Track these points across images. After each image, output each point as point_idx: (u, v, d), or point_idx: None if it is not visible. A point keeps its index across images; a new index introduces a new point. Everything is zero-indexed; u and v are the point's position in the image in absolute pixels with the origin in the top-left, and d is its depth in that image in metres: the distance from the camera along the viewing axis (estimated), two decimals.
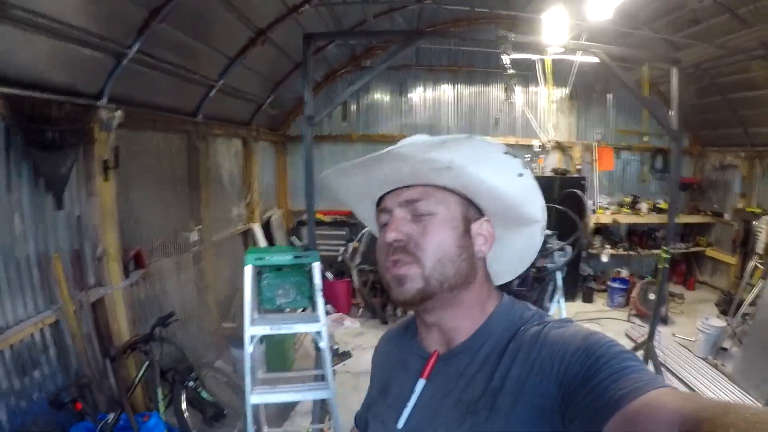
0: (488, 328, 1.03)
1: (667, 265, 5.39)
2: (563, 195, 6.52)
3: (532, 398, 0.89)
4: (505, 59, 4.55)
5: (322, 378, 3.71)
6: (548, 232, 4.21)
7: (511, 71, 4.70)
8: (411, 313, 1.23)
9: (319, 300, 3.60)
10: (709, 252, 9.01)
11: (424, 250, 0.98)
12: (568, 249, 4.36)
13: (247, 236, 6.81)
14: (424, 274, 0.98)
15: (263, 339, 4.64)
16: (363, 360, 5.87)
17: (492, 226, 1.07)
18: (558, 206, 4.96)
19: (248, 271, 3.51)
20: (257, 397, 3.44)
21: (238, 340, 4.00)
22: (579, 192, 6.88)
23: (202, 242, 5.46)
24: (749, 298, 6.43)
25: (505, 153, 0.96)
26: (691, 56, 6.53)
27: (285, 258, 3.62)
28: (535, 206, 1.06)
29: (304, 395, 3.76)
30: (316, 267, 3.61)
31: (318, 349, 3.69)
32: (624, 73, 5.21)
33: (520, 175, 1.00)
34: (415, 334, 1.18)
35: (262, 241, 6.72)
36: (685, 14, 6.14)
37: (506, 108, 8.79)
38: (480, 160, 0.97)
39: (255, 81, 6.31)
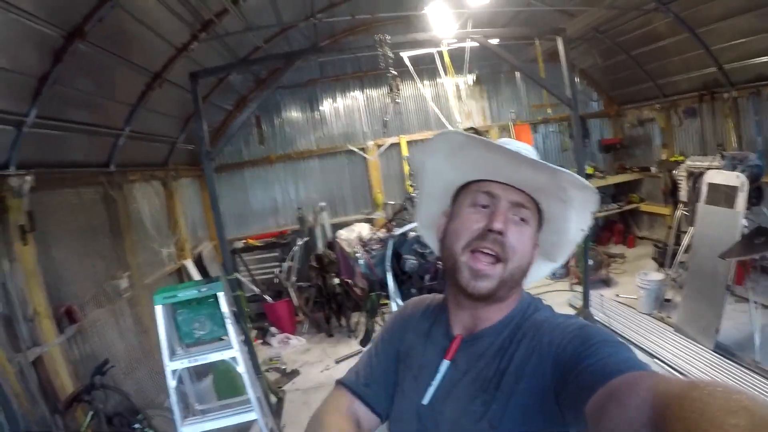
0: (509, 318, 1.19)
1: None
2: None
3: (532, 378, 1.05)
4: (383, 61, 5.00)
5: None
6: None
7: (393, 72, 5.15)
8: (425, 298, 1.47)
9: (230, 327, 4.04)
10: (643, 207, 9.61)
11: (514, 254, 1.13)
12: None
13: (182, 273, 7.18)
14: (503, 276, 1.13)
15: (211, 370, 5.13)
16: (311, 376, 6.33)
17: (537, 249, 1.24)
18: None
19: (159, 310, 3.94)
20: (189, 428, 3.92)
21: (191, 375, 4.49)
22: None
23: (133, 287, 5.76)
24: (682, 246, 6.88)
25: (593, 212, 1.20)
26: (584, 21, 7.05)
27: (190, 293, 4.01)
28: (566, 254, 1.34)
29: (231, 419, 4.17)
30: (221, 297, 4.03)
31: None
32: (509, 55, 5.71)
33: (582, 230, 1.24)
34: (440, 310, 1.34)
35: (196, 276, 7.10)
36: None
37: (419, 103, 9.39)
38: (581, 208, 1.20)
39: (164, 122, 6.71)
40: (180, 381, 4.11)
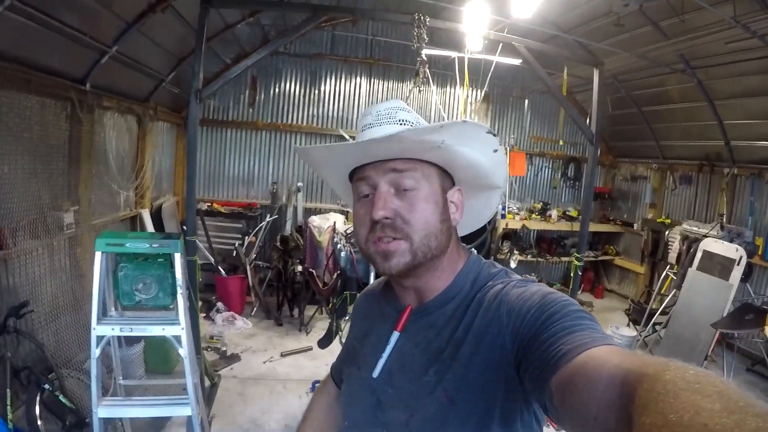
0: (457, 285, 1.14)
1: (580, 272, 5.59)
2: None
3: (490, 349, 0.99)
4: (417, 42, 4.48)
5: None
6: None
7: (423, 56, 4.65)
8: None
9: (181, 298, 3.21)
10: (618, 261, 9.60)
11: (412, 226, 1.06)
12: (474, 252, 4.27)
13: (136, 223, 6.46)
14: (412, 249, 1.06)
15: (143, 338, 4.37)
16: (253, 365, 5.71)
17: (462, 194, 1.18)
18: None
19: (98, 258, 3.06)
20: (105, 411, 3.07)
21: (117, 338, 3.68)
22: None
23: (78, 225, 5.05)
24: (660, 307, 6.84)
25: (487, 132, 1.08)
26: (612, 63, 6.83)
27: (140, 245, 3.19)
28: (500, 175, 1.22)
29: (160, 410, 3.37)
30: (178, 258, 3.22)
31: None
32: (543, 72, 5.36)
33: (495, 150, 1.13)
34: (388, 289, 1.29)
35: (151, 229, 6.42)
36: (607, 24, 6.39)
37: (422, 106, 8.89)
38: (466, 139, 1.07)
39: (156, 54, 6.02)
40: (108, 343, 3.27)
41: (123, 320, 3.25)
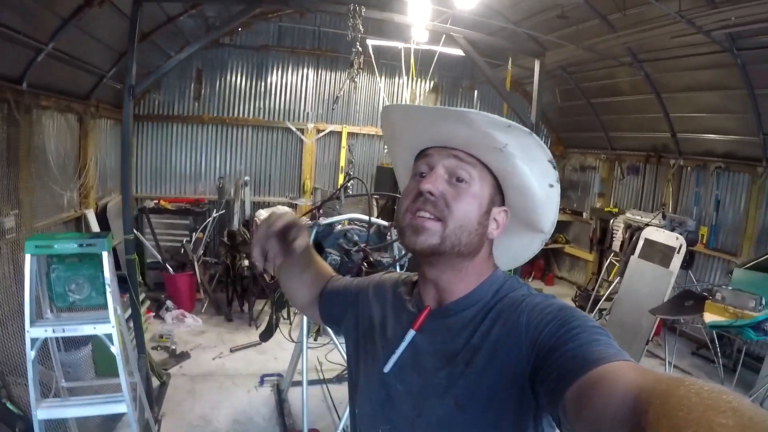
0: (479, 293, 1.14)
1: None
2: None
3: (506, 359, 1.00)
4: (352, 32, 4.47)
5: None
6: (386, 222, 4.12)
7: (358, 47, 4.64)
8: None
9: (110, 297, 3.26)
10: (568, 249, 9.81)
11: (451, 213, 1.07)
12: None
13: (81, 223, 6.34)
14: (443, 234, 1.07)
15: (91, 339, 4.35)
16: (202, 362, 5.71)
17: (507, 217, 1.16)
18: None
19: (29, 261, 3.09)
20: (44, 412, 3.14)
21: (66, 343, 3.70)
22: None
23: (19, 229, 4.90)
24: (605, 294, 7.05)
25: (549, 161, 1.07)
26: (560, 55, 6.96)
27: (68, 246, 3.21)
28: (549, 219, 1.18)
29: (97, 408, 3.44)
30: (106, 257, 3.25)
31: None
32: (484, 63, 5.41)
33: (551, 186, 1.11)
34: (413, 286, 1.30)
35: (96, 230, 6.30)
36: (553, 18, 6.49)
37: (371, 97, 8.95)
38: (529, 157, 1.07)
39: (96, 49, 5.85)
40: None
41: (56, 322, 3.27)
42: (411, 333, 1.17)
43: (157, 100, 8.15)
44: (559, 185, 1.12)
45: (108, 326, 3.22)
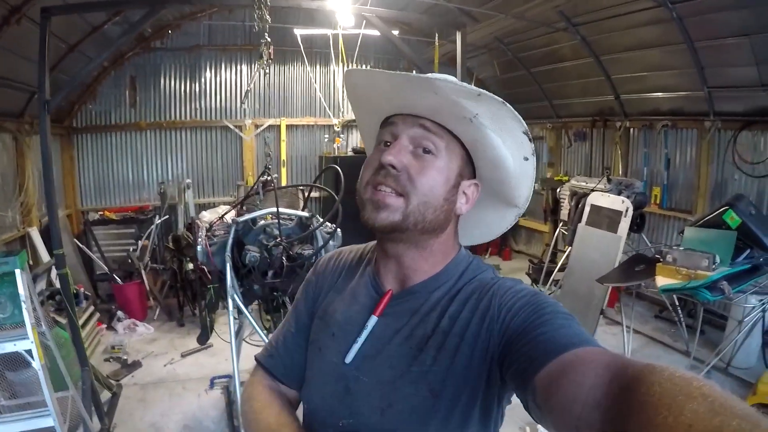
0: (446, 274, 1.11)
1: None
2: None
3: (476, 341, 0.98)
4: (259, 23, 4.41)
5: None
6: (307, 214, 4.03)
7: (267, 38, 4.57)
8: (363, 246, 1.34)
9: (26, 313, 3.28)
10: (522, 222, 9.59)
11: (415, 187, 1.02)
12: (339, 233, 3.97)
13: (26, 243, 6.24)
14: (405, 210, 1.03)
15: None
16: (154, 369, 5.66)
17: (478, 191, 1.13)
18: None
19: None
20: None
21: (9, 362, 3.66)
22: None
23: None
24: (558, 264, 6.95)
25: (524, 133, 1.04)
26: (490, 26, 6.88)
27: None
28: (523, 193, 1.14)
29: (26, 423, 3.40)
30: (19, 274, 3.27)
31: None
32: (401, 41, 5.37)
33: (526, 159, 1.08)
34: (368, 263, 1.23)
35: (41, 247, 6.22)
36: None
37: (306, 87, 8.92)
38: (502, 128, 1.03)
39: (23, 66, 5.70)
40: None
41: None
42: (373, 319, 1.11)
43: (94, 111, 8.03)
44: (535, 158, 1.08)
45: (27, 342, 3.23)
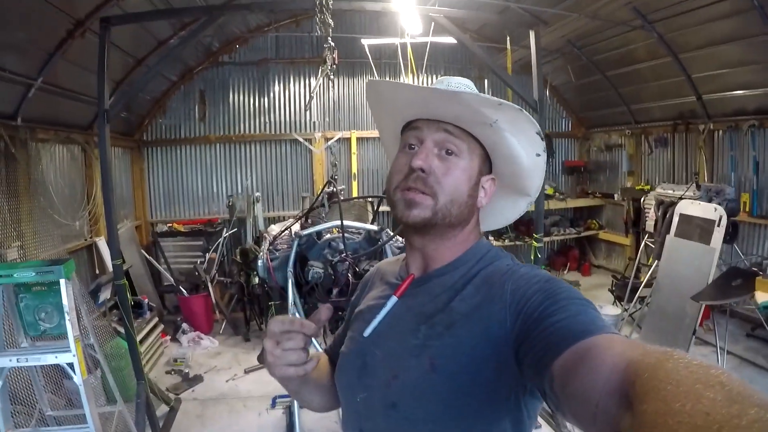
0: (463, 259, 1.17)
1: (539, 255, 5.34)
2: None
3: (488, 326, 1.00)
4: (321, 27, 4.26)
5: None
6: (376, 227, 3.83)
7: (331, 43, 4.41)
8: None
9: (69, 325, 3.19)
10: (602, 235, 9.35)
11: (442, 187, 1.10)
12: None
13: (92, 252, 6.39)
14: (435, 208, 1.10)
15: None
16: (216, 384, 5.59)
17: (495, 185, 1.22)
18: None
19: None
20: None
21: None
22: None
23: (24, 260, 4.86)
24: (644, 280, 6.45)
25: (537, 133, 1.13)
26: (563, 29, 6.58)
27: (26, 274, 3.14)
28: (535, 184, 1.25)
29: None
30: (63, 284, 3.18)
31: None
32: (477, 46, 5.13)
33: (538, 155, 1.18)
34: (402, 262, 1.32)
35: (107, 257, 6.25)
36: None
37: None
38: (518, 130, 1.12)
39: (90, 80, 5.64)
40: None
41: (20, 351, 3.24)
42: (393, 299, 1.17)
43: (164, 125, 8.23)
44: (546, 154, 1.17)
45: (69, 355, 3.16)
